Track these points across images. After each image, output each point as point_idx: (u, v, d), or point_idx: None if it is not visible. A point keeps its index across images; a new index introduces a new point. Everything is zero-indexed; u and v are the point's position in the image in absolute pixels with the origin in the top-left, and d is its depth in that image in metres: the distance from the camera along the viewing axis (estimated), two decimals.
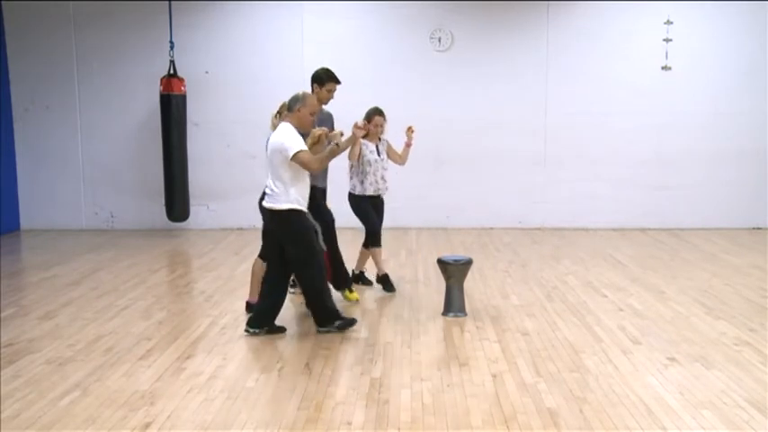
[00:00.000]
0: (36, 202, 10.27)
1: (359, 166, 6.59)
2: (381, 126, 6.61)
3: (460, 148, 10.14)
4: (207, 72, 10.00)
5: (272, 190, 5.30)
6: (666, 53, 9.93)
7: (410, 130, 6.74)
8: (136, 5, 9.90)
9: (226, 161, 10.18)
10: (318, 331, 5.47)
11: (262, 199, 5.55)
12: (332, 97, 6.10)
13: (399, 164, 6.85)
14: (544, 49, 10.00)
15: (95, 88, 10.10)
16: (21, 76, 10.06)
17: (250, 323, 5.46)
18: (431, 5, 9.96)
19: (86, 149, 10.22)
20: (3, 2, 9.90)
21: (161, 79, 9.49)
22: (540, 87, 10.04)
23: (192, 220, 10.08)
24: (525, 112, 10.07)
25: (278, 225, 5.36)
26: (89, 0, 9.91)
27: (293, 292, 6.32)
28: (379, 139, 6.68)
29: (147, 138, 10.04)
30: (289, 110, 5.37)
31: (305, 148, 5.22)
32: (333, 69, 6.15)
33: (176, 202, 9.69)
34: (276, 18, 9.99)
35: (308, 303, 5.60)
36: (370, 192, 6.64)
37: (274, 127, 5.47)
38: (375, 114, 6.57)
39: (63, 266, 7.89)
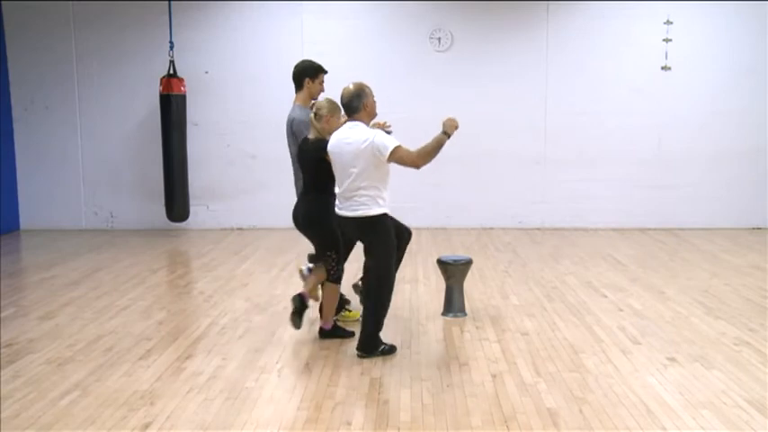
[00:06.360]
0: (36, 202, 10.26)
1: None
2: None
3: (460, 148, 10.02)
4: (207, 72, 10.00)
5: (362, 196, 4.83)
6: (666, 53, 9.93)
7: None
8: (136, 5, 9.90)
9: (226, 161, 10.17)
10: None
11: (299, 210, 5.21)
12: (323, 89, 5.72)
13: None
14: (544, 49, 9.99)
15: (95, 88, 10.10)
16: (21, 76, 10.06)
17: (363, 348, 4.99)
18: (431, 5, 9.96)
19: (86, 149, 10.22)
20: (3, 2, 9.90)
21: (161, 79, 9.48)
22: (540, 87, 10.04)
23: (192, 220, 10.07)
24: (525, 112, 10.06)
25: (366, 231, 4.93)
26: (89, 0, 9.92)
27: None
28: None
29: (147, 138, 10.04)
30: (350, 110, 4.90)
31: (399, 143, 4.75)
32: (332, 70, 6.03)
33: (176, 202, 9.68)
34: (276, 18, 9.98)
35: (369, 306, 5.02)
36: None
37: (317, 131, 5.08)
38: None
39: (63, 266, 7.89)
